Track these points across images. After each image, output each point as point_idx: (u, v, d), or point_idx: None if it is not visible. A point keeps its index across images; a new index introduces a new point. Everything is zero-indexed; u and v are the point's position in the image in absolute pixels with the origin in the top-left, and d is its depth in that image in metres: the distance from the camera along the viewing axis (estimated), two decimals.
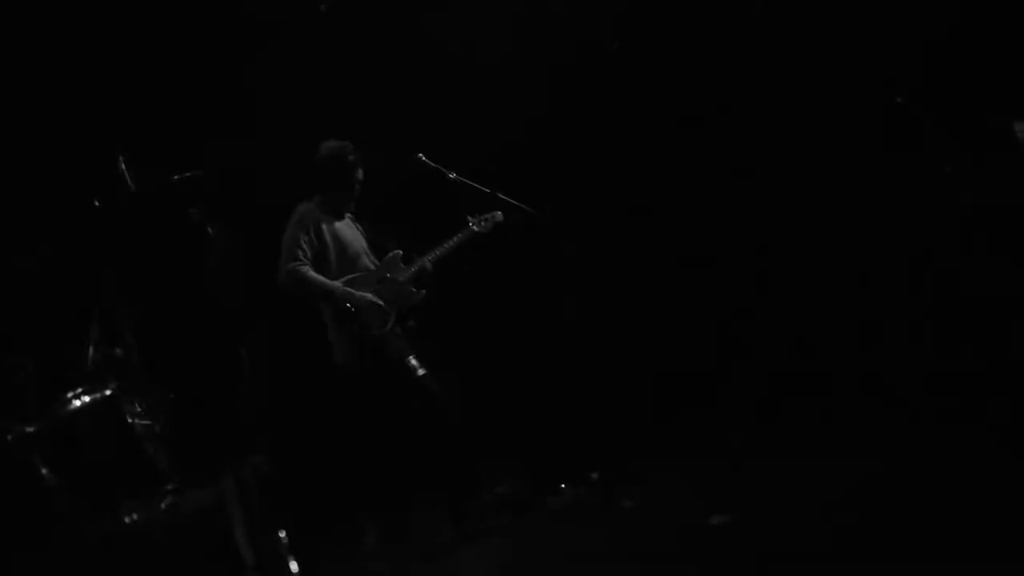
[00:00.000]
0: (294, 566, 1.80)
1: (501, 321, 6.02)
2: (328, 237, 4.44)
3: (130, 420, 2.70)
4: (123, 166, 3.33)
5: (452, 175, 4.66)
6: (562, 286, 5.82)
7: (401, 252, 4.64)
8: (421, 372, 4.37)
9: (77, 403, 2.66)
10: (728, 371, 5.51)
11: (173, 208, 3.55)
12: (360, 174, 4.56)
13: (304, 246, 4.32)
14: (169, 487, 2.61)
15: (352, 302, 4.31)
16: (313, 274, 4.29)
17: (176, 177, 3.20)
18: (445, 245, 4.67)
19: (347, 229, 4.58)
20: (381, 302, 4.36)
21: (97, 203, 3.30)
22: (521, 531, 4.17)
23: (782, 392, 5.09)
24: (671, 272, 5.92)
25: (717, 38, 5.83)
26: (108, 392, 2.70)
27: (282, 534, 1.88)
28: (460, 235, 4.73)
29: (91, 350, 3.17)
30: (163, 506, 2.31)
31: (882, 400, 4.63)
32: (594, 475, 4.49)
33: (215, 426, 3.79)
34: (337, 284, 4.32)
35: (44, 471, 2.53)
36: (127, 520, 2.21)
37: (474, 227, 4.77)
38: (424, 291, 4.58)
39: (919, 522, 3.02)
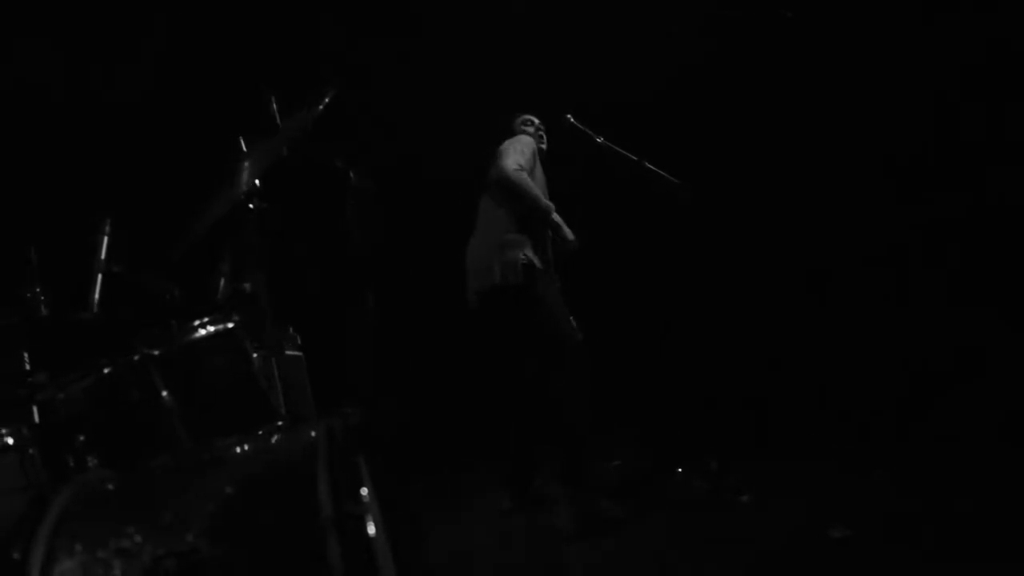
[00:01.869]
0: (372, 528, 1.75)
1: (640, 297, 5.91)
2: (539, 170, 4.52)
3: (248, 354, 2.75)
4: (274, 105, 3.41)
5: (600, 139, 4.56)
6: (706, 265, 5.66)
7: None
8: (580, 336, 4.29)
9: (201, 332, 2.71)
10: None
11: (317, 151, 3.60)
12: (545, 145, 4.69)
13: (527, 161, 4.37)
14: (278, 424, 2.64)
15: (557, 223, 4.37)
16: (532, 183, 4.36)
17: (311, 106, 3.21)
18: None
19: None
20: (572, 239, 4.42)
21: (242, 140, 3.40)
22: (629, 511, 4.03)
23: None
24: (809, 264, 5.63)
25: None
26: (230, 325, 2.74)
27: (364, 492, 1.84)
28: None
29: (222, 283, 3.27)
30: (271, 441, 2.32)
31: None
32: (713, 463, 4.36)
33: (332, 371, 3.86)
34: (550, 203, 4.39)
35: (164, 393, 2.60)
36: (235, 451, 2.24)
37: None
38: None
39: None
